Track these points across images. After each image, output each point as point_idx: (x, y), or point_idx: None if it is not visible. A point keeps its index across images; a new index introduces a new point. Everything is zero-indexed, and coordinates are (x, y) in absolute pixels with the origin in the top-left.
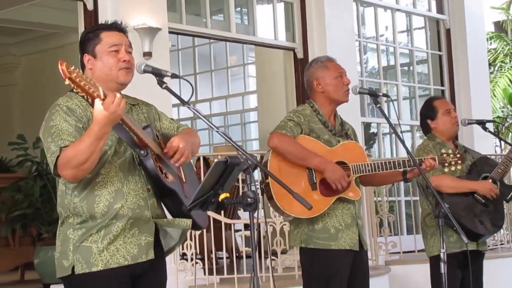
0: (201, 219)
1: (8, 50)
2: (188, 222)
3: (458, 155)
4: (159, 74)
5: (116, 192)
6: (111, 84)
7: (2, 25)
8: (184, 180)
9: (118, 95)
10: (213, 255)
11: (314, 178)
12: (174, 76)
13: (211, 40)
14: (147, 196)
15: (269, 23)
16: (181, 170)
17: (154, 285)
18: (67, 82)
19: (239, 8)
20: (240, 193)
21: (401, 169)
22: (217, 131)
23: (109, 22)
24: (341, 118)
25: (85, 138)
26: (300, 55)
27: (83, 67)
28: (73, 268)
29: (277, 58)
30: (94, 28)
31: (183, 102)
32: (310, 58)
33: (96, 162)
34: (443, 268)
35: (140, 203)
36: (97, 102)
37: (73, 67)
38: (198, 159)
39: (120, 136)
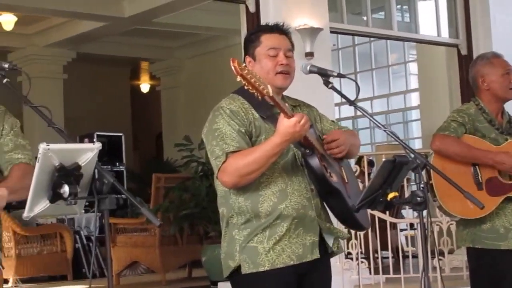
0: (365, 219)
1: (172, 54)
2: (346, 234)
3: None
4: (325, 74)
5: (280, 192)
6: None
7: (167, 29)
8: (346, 180)
9: (305, 116)
10: (378, 255)
11: (480, 178)
12: (339, 75)
13: (371, 39)
14: (311, 196)
15: (431, 20)
16: (342, 170)
17: (319, 283)
18: (238, 79)
19: (399, 6)
20: (405, 192)
21: None
22: (384, 130)
23: (271, 24)
24: (509, 115)
25: (260, 150)
26: (464, 51)
27: None
28: (239, 267)
29: (439, 55)
30: (256, 30)
31: (350, 102)
32: (475, 55)
33: (260, 174)
34: None
35: (304, 203)
36: (284, 118)
37: (244, 65)
38: (360, 159)
39: None
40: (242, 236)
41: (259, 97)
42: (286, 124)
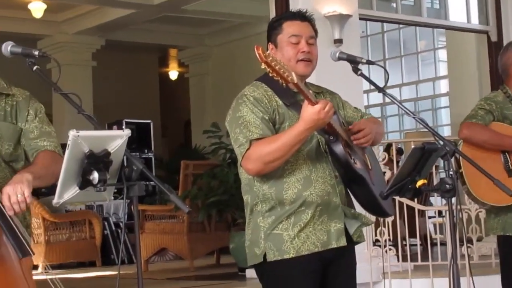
0: (389, 206)
1: (201, 41)
2: (371, 220)
3: None
4: (354, 61)
5: (305, 179)
6: None
7: (195, 16)
8: (370, 167)
9: (329, 103)
10: (406, 242)
11: (510, 165)
12: (368, 62)
13: (400, 25)
14: (335, 182)
15: (461, 6)
16: (366, 157)
17: (344, 271)
18: (263, 66)
19: None
20: (433, 180)
21: None
22: (413, 117)
23: (294, 11)
24: None
25: (284, 137)
26: (494, 38)
27: None
28: (264, 255)
29: (469, 41)
30: (279, 17)
31: (379, 89)
32: (505, 41)
33: (283, 162)
34: None
35: (329, 190)
36: (308, 105)
37: (268, 52)
38: (388, 146)
39: None
40: (266, 224)
41: (284, 84)
42: (311, 111)
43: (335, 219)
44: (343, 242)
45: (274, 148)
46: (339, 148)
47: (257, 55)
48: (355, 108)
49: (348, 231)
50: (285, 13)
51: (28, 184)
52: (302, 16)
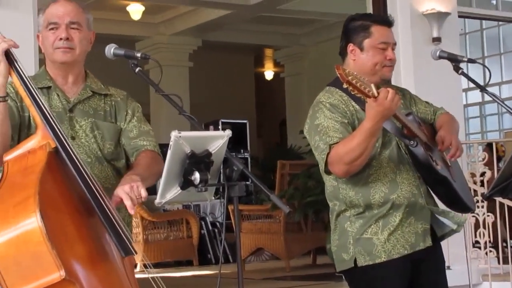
0: (471, 201)
1: (296, 40)
2: (463, 218)
3: None
4: (455, 60)
5: (390, 182)
6: (374, 78)
7: (291, 16)
8: (449, 164)
9: (391, 90)
10: (506, 243)
11: None
12: (470, 61)
13: (500, 22)
14: (419, 183)
15: None
16: (444, 153)
17: (432, 271)
18: (345, 85)
19: None
20: None
21: None
22: None
23: (382, 15)
24: None
25: (357, 135)
26: None
27: (343, 54)
28: (354, 260)
29: None
30: (364, 18)
31: (480, 87)
32: None
33: (368, 157)
34: None
35: (414, 191)
36: (371, 101)
37: (348, 70)
38: (489, 145)
39: (385, 127)
40: (354, 228)
41: (357, 94)
42: (372, 105)
43: (421, 220)
44: (428, 242)
45: (350, 148)
46: (420, 152)
47: (339, 75)
48: (427, 102)
49: (433, 229)
50: (373, 16)
51: (142, 184)
52: (390, 22)
